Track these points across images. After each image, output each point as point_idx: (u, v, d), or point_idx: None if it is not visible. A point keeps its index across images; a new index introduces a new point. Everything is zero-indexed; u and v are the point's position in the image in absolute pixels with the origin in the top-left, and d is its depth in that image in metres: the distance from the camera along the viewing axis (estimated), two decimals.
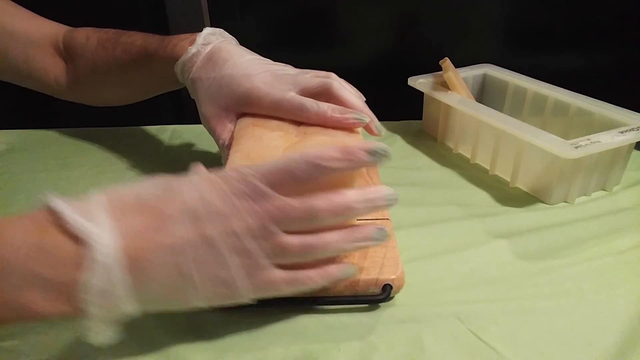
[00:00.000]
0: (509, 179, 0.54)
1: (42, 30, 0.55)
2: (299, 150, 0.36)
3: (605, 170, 0.52)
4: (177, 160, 0.60)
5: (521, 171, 0.53)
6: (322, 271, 0.33)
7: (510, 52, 0.79)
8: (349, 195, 0.31)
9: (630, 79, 0.78)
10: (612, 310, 0.37)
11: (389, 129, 0.69)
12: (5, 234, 0.28)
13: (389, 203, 0.33)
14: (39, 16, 0.56)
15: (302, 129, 0.42)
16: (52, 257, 0.27)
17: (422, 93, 0.65)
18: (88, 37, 0.53)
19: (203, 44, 0.46)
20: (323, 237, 0.31)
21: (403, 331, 0.35)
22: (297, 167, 0.30)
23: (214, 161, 0.60)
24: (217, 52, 0.45)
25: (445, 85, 0.62)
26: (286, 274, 0.31)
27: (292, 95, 0.42)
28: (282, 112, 0.42)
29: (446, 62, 0.60)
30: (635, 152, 0.54)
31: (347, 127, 0.41)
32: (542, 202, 0.51)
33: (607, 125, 0.52)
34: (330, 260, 0.33)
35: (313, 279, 0.32)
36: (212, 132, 0.46)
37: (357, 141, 0.37)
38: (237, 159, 0.36)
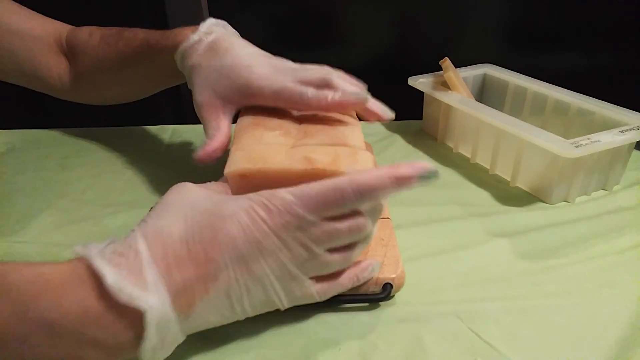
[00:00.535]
0: (509, 179, 0.54)
1: (47, 29, 0.55)
2: (304, 153, 0.36)
3: (606, 169, 0.52)
4: (177, 160, 0.60)
5: (521, 170, 0.53)
6: (352, 275, 0.35)
7: (510, 52, 0.79)
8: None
9: (630, 79, 0.78)
10: (612, 310, 0.37)
11: (389, 129, 0.69)
12: (49, 295, 0.27)
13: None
14: (42, 16, 0.56)
15: (303, 127, 0.41)
16: (102, 322, 0.27)
17: (422, 93, 0.65)
18: (91, 33, 0.53)
19: (206, 33, 0.45)
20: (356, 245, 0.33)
21: (403, 330, 0.35)
22: (345, 193, 0.30)
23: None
24: (219, 41, 0.45)
25: (445, 85, 0.62)
26: (321, 287, 0.33)
27: (293, 85, 0.41)
28: (282, 101, 0.42)
29: (446, 62, 0.60)
30: (635, 152, 0.54)
31: (348, 108, 0.41)
32: (543, 201, 0.51)
33: (608, 125, 0.52)
34: (355, 263, 0.36)
35: (345, 285, 0.35)
36: (203, 120, 0.45)
37: (368, 159, 0.37)
38: (238, 158, 0.36)
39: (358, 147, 0.39)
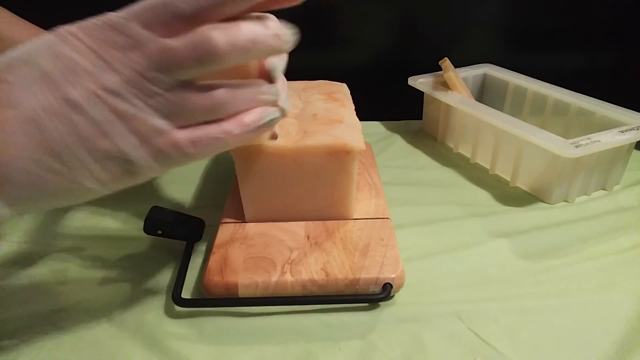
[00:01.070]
0: (509, 179, 0.54)
1: None
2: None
3: (606, 169, 0.52)
4: None
5: (521, 170, 0.53)
6: (240, 120, 0.26)
7: (510, 52, 0.79)
8: (249, 26, 0.24)
9: (630, 79, 0.78)
10: (612, 310, 0.37)
11: (389, 128, 0.69)
12: None
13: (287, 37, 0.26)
14: (39, 28, 0.56)
15: (303, 127, 0.42)
16: None
17: (422, 93, 0.65)
18: None
19: None
20: (234, 89, 0.25)
21: (403, 330, 0.35)
22: None
23: (215, 160, 0.60)
24: None
25: (445, 85, 0.62)
26: (191, 132, 0.25)
27: None
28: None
29: (446, 62, 0.60)
30: (635, 152, 0.54)
31: None
32: (543, 201, 0.51)
33: (608, 125, 0.52)
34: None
35: (229, 131, 0.26)
36: None
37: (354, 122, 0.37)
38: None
39: (358, 147, 0.39)
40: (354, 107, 0.47)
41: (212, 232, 0.44)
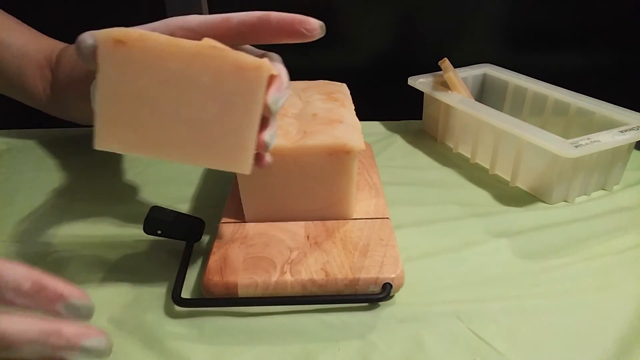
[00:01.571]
0: (509, 179, 0.54)
1: (39, 44, 0.54)
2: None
3: (605, 169, 0.52)
4: None
5: (521, 170, 0.53)
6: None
7: (510, 52, 0.79)
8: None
9: (630, 79, 0.78)
10: (612, 310, 0.37)
11: (389, 128, 0.69)
12: None
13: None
14: (39, 33, 0.56)
15: (303, 127, 0.42)
16: None
17: (422, 93, 0.65)
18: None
19: None
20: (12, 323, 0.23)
21: (403, 330, 0.35)
22: None
23: None
24: None
25: (445, 85, 0.62)
26: None
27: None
28: (206, 28, 0.35)
29: (445, 63, 0.60)
30: (635, 152, 0.54)
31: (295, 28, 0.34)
32: (542, 201, 0.51)
33: (607, 125, 0.52)
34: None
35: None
36: None
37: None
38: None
39: (357, 147, 0.39)
40: (354, 107, 0.47)
41: (212, 232, 0.44)
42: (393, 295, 0.38)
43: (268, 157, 0.35)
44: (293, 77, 0.38)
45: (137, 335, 0.35)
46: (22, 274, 0.24)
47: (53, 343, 0.23)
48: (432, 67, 0.64)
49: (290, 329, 0.35)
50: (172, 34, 0.33)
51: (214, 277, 0.37)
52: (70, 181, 0.56)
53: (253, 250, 0.39)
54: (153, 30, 0.34)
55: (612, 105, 0.54)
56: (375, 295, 0.37)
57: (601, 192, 0.53)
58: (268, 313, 0.37)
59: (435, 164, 0.60)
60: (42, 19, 0.58)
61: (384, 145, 0.64)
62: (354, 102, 0.48)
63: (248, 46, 0.38)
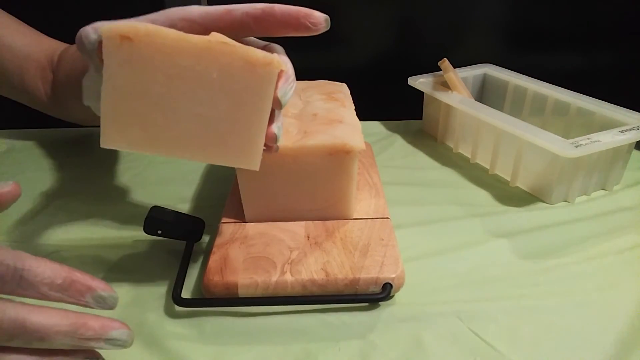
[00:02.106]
0: (509, 179, 0.54)
1: (41, 45, 0.54)
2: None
3: (606, 169, 0.52)
4: (177, 161, 0.60)
5: (521, 170, 0.53)
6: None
7: (510, 52, 0.79)
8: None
9: (630, 79, 0.78)
10: (612, 310, 0.37)
11: (389, 128, 0.69)
12: None
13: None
14: (40, 33, 0.55)
15: (303, 127, 0.42)
16: None
17: (422, 93, 0.65)
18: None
19: None
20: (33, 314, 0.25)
21: (403, 330, 0.35)
22: None
23: None
24: None
25: (445, 85, 0.62)
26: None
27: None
28: (209, 20, 0.34)
29: (445, 63, 0.60)
30: (635, 152, 0.54)
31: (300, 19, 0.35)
32: (542, 201, 0.51)
33: (608, 125, 0.52)
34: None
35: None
36: None
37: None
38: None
39: (357, 147, 0.39)
40: (354, 107, 0.47)
41: (212, 232, 0.44)
42: (393, 295, 0.38)
43: (275, 146, 0.35)
44: None
45: (137, 335, 0.35)
46: (54, 269, 0.26)
47: (82, 334, 0.26)
48: (432, 67, 0.64)
49: (290, 329, 0.35)
50: (172, 26, 0.32)
51: (214, 277, 0.37)
52: (70, 181, 0.56)
53: (253, 250, 0.39)
54: (153, 21, 0.33)
55: (612, 105, 0.54)
56: (376, 295, 0.37)
57: (601, 192, 0.53)
58: (268, 313, 0.37)
59: (436, 164, 0.60)
60: (41, 12, 0.57)
61: (384, 145, 0.64)
62: (354, 102, 0.48)
63: (251, 37, 0.38)
